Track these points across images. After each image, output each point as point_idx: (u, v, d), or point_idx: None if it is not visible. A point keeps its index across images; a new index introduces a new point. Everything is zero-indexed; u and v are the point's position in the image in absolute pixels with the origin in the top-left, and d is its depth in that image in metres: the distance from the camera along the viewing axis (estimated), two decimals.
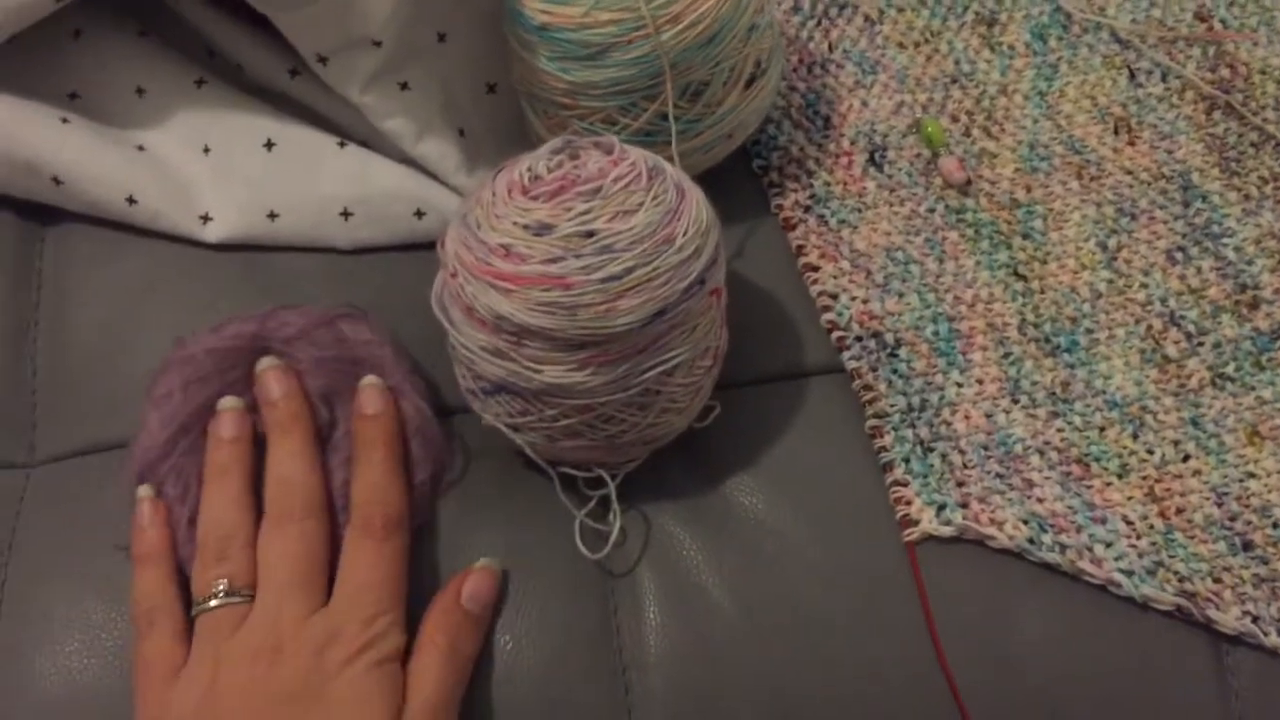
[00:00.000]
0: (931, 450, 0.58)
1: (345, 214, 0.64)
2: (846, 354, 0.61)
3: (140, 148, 0.65)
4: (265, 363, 0.56)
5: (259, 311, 0.58)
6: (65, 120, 0.63)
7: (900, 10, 0.73)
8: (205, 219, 0.64)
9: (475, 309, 0.51)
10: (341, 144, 0.65)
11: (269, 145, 0.65)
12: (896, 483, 0.57)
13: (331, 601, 0.51)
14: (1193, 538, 0.56)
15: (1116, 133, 0.68)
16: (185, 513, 0.54)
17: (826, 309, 0.62)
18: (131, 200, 0.63)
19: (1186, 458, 0.58)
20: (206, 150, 0.65)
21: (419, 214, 0.64)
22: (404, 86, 0.62)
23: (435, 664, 0.51)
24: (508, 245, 0.50)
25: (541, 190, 0.51)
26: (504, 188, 0.52)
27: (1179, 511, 0.57)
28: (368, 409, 0.56)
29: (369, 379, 0.56)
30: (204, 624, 0.51)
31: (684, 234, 0.50)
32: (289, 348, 0.57)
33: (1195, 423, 0.59)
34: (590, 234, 0.49)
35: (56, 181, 0.63)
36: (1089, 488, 0.57)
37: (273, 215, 0.64)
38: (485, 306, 0.50)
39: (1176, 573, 0.55)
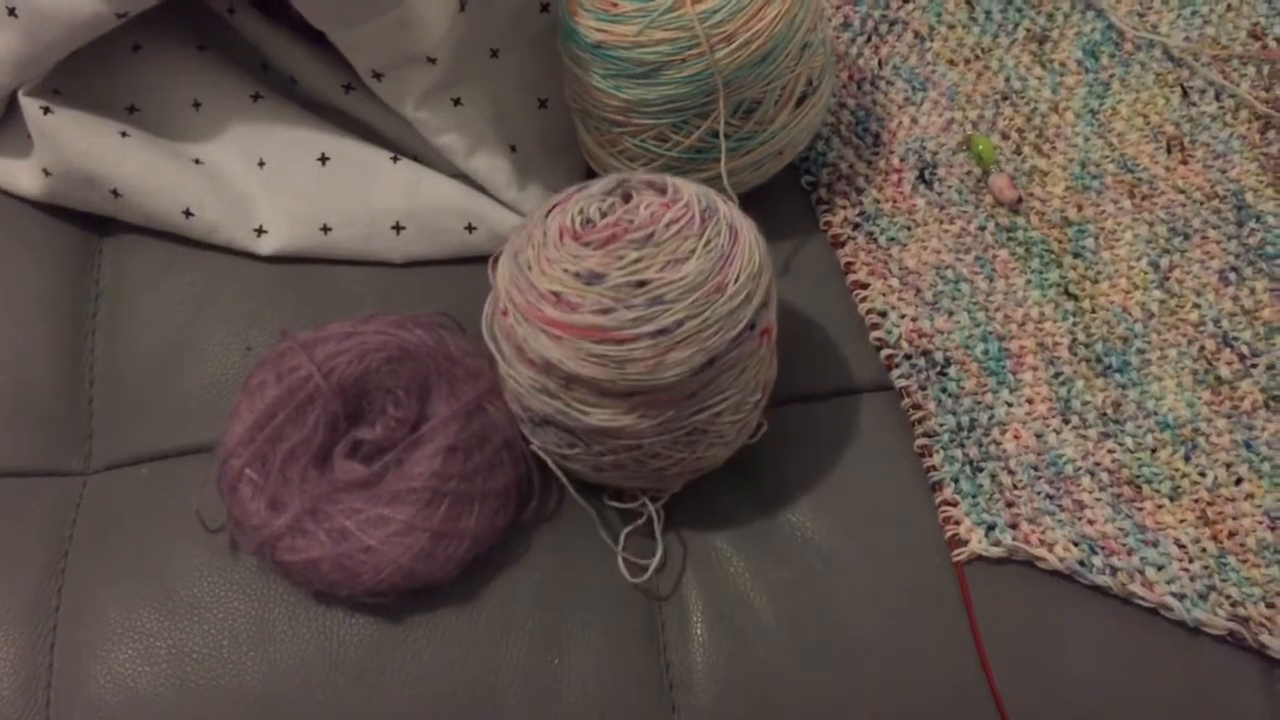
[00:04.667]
0: (981, 470, 0.58)
1: (397, 228, 0.64)
2: (895, 372, 0.61)
3: (197, 161, 0.66)
4: None
5: (358, 314, 0.59)
6: (125, 134, 0.64)
7: (950, 27, 0.73)
8: (260, 232, 0.65)
9: (525, 350, 0.51)
10: (394, 159, 0.65)
11: (323, 160, 0.65)
12: (946, 502, 0.57)
13: None
14: (1245, 561, 0.56)
15: (1169, 151, 0.68)
16: (265, 497, 0.55)
17: (875, 327, 0.62)
18: (188, 213, 0.64)
19: (1239, 481, 0.58)
20: (261, 164, 0.66)
21: (470, 228, 0.64)
22: (457, 103, 0.63)
23: None
24: (558, 293, 0.49)
25: (593, 237, 0.50)
26: (555, 230, 0.51)
27: (1231, 535, 0.56)
28: None
29: None
30: None
31: (735, 280, 0.50)
32: (384, 343, 0.57)
33: (1248, 445, 0.59)
34: (641, 284, 0.49)
35: (116, 194, 0.64)
36: (1140, 510, 0.57)
37: (326, 228, 0.64)
38: (536, 351, 0.50)
39: (1229, 597, 0.55)
